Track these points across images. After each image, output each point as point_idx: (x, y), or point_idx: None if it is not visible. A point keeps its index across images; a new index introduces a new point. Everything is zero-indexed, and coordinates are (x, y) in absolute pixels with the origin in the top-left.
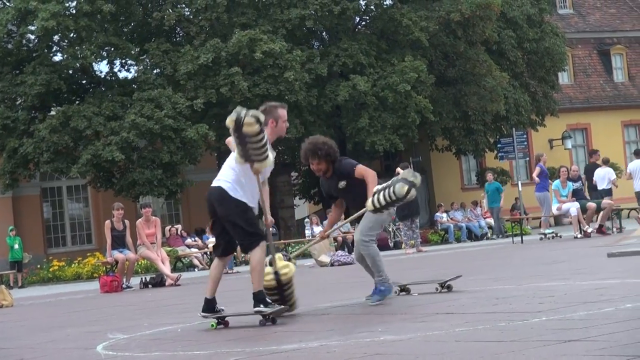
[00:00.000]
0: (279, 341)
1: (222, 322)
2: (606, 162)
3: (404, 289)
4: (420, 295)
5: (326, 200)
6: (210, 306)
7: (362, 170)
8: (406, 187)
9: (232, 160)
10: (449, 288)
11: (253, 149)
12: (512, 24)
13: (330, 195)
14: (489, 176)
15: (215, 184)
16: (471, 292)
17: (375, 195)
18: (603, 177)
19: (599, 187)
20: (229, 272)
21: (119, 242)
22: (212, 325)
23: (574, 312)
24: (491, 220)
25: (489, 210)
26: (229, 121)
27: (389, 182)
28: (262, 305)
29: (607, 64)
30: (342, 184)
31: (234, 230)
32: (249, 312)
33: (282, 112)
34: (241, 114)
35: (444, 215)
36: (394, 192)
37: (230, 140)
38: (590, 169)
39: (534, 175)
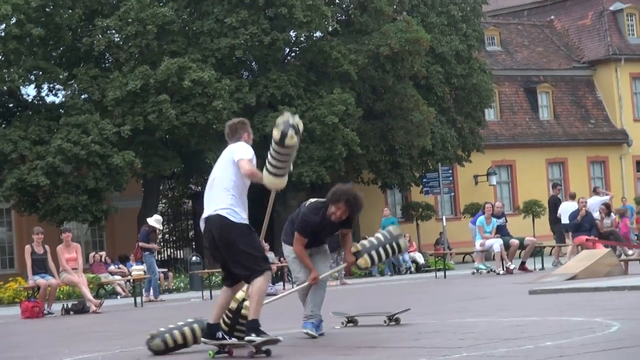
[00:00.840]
0: None
1: (224, 351)
2: (572, 197)
3: (351, 320)
4: (344, 328)
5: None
6: (212, 332)
7: None
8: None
9: (227, 181)
10: (397, 321)
11: (282, 161)
12: (441, 59)
13: (316, 237)
14: (386, 211)
15: (211, 212)
16: (394, 326)
17: (373, 252)
18: (567, 211)
19: (563, 221)
20: (153, 299)
21: (40, 266)
22: (210, 354)
23: (494, 349)
24: (415, 254)
25: None
26: (276, 133)
27: (379, 237)
28: (253, 335)
29: (534, 102)
30: (339, 231)
31: (240, 256)
32: (242, 342)
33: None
34: (288, 128)
35: None
36: (398, 247)
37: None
38: (553, 202)
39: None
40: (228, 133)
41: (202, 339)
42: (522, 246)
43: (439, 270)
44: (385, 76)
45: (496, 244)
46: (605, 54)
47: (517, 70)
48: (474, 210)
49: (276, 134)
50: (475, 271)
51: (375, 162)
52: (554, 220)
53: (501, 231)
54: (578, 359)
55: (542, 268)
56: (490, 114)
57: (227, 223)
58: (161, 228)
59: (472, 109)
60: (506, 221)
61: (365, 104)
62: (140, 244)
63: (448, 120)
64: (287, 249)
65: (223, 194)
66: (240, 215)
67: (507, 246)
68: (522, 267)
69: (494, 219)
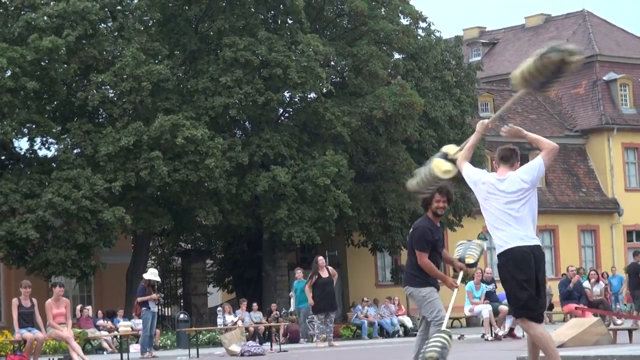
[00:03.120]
0: None
1: None
2: None
3: None
4: None
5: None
6: None
7: None
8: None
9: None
10: None
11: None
12: (434, 123)
13: (434, 247)
14: (299, 273)
15: (533, 242)
16: None
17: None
18: None
19: None
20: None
21: (27, 319)
22: None
23: None
24: (403, 318)
25: (296, 310)
26: None
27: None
28: None
29: None
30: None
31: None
32: None
33: None
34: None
35: (366, 309)
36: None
37: None
38: (633, 269)
39: None
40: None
41: None
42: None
43: None
44: (378, 139)
45: (485, 309)
46: (598, 123)
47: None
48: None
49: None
50: (460, 336)
51: (366, 225)
52: (635, 286)
53: (490, 297)
54: None
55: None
56: None
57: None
58: (158, 280)
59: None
60: (495, 287)
61: (357, 166)
62: (139, 299)
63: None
64: (416, 292)
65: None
66: None
67: (496, 312)
68: (511, 334)
69: (483, 285)
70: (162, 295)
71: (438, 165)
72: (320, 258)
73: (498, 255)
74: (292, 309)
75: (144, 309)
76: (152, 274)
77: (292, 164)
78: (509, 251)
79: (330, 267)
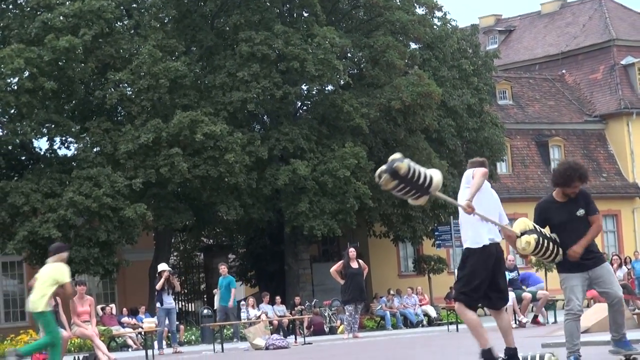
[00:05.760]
0: None
1: None
2: None
3: None
4: None
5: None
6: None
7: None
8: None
9: None
10: None
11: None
12: (452, 112)
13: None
14: (223, 269)
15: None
16: None
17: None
18: None
19: None
20: (163, 352)
21: None
22: None
23: None
24: (427, 308)
25: (218, 308)
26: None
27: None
28: None
29: (545, 155)
30: (581, 212)
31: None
32: None
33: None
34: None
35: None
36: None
37: None
38: None
39: None
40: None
41: None
42: (534, 299)
43: (451, 323)
44: (396, 129)
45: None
46: (617, 107)
47: (528, 123)
48: None
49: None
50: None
51: (388, 215)
52: None
53: (513, 284)
54: None
55: (555, 321)
56: (502, 167)
57: None
58: (168, 269)
59: None
60: (518, 274)
61: (377, 157)
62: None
63: (460, 173)
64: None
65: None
66: None
67: (519, 300)
68: (535, 321)
69: (506, 273)
70: (185, 290)
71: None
72: (352, 250)
73: (475, 249)
74: (216, 306)
75: (157, 305)
76: (160, 266)
77: (312, 157)
78: (485, 247)
79: (360, 260)
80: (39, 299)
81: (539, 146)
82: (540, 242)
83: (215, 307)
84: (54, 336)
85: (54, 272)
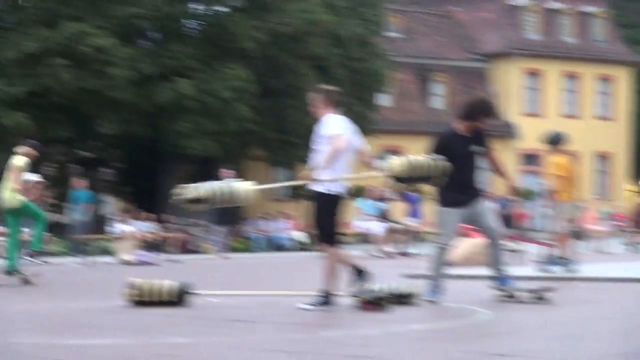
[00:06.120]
0: (74, 336)
1: None
2: None
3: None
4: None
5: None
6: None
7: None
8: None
9: None
10: (543, 299)
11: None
12: (340, 42)
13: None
14: (78, 182)
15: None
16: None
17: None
18: None
19: None
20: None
21: None
22: None
23: (365, 329)
24: (299, 233)
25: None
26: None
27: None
28: None
29: (428, 90)
30: (479, 148)
31: None
32: None
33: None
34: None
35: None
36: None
37: None
38: None
39: None
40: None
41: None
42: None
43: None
44: (284, 55)
45: (377, 227)
46: (502, 48)
47: (414, 57)
48: (360, 193)
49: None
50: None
51: (267, 140)
52: None
53: (383, 215)
54: (445, 343)
55: (419, 254)
56: (384, 99)
57: None
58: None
59: (367, 93)
60: (389, 206)
61: (262, 82)
62: None
63: (343, 103)
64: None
65: None
66: None
67: (386, 230)
68: (399, 252)
69: (377, 203)
70: (58, 202)
71: (245, 189)
72: (228, 171)
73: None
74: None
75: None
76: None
77: (197, 77)
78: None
79: None
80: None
81: (423, 81)
82: (410, 162)
83: (70, 221)
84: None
85: None
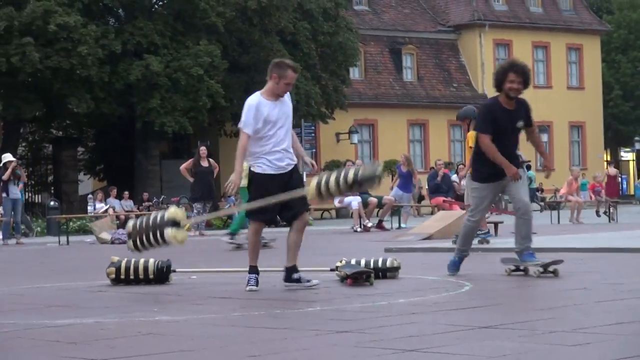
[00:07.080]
0: (54, 316)
1: None
2: None
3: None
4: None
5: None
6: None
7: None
8: (376, 169)
9: None
10: (555, 273)
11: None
12: (308, 16)
13: (500, 132)
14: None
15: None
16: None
17: (324, 178)
18: None
19: None
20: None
21: None
22: None
23: (349, 304)
24: None
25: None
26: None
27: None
28: None
29: (398, 63)
30: (520, 123)
31: None
32: None
33: (291, 75)
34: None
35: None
36: (357, 173)
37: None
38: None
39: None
40: None
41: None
42: (380, 205)
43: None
44: (252, 30)
45: (354, 201)
46: (471, 19)
47: (383, 30)
48: (334, 167)
49: (365, 173)
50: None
51: (239, 115)
52: None
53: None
54: (430, 316)
55: (399, 227)
56: (355, 73)
57: None
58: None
59: (337, 67)
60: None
61: (231, 57)
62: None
63: (313, 77)
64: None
65: None
66: None
67: (365, 204)
68: (379, 226)
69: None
70: (33, 182)
71: (176, 237)
72: (203, 148)
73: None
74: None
75: (3, 195)
76: (5, 156)
77: (166, 53)
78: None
79: (211, 159)
80: None
81: (392, 53)
82: (320, 188)
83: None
84: None
85: None
